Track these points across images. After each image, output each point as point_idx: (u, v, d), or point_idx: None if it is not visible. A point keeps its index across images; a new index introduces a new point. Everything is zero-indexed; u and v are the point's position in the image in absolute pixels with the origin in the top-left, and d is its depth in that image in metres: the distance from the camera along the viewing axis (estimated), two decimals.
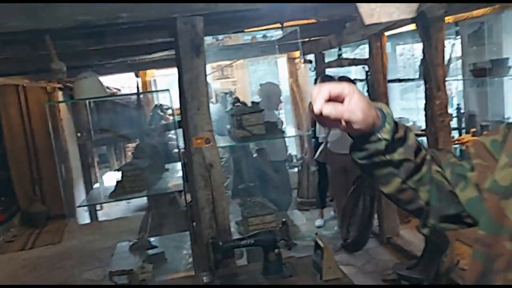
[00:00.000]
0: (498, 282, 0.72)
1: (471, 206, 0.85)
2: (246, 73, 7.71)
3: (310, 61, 5.58)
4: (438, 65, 3.08)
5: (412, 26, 3.62)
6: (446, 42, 3.46)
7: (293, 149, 6.77)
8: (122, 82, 7.36)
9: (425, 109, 3.22)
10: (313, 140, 4.86)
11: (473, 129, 4.40)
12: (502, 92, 4.52)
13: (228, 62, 6.89)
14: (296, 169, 5.93)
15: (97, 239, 5.17)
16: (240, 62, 7.20)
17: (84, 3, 2.10)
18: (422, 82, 3.29)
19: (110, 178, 3.55)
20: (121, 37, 2.85)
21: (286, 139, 4.70)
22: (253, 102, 3.46)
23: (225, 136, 3.31)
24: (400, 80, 5.13)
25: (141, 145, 4.32)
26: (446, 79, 3.22)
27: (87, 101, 3.93)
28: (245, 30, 3.56)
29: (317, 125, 4.64)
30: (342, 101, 0.79)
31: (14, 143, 6.13)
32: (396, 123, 0.86)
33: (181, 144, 3.01)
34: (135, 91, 6.32)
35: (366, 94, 4.99)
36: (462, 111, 4.93)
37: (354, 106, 0.79)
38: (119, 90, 7.01)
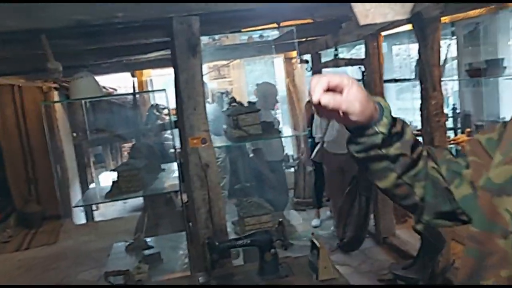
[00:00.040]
0: (490, 278, 0.72)
1: (465, 203, 0.86)
2: (243, 73, 7.71)
3: (307, 61, 5.59)
4: (434, 65, 3.09)
5: (408, 26, 3.63)
6: (442, 42, 3.47)
7: (289, 149, 6.78)
8: (118, 82, 7.34)
9: (421, 109, 3.23)
10: (310, 140, 4.87)
11: (468, 129, 4.42)
12: (497, 92, 4.54)
13: (224, 62, 6.89)
14: (292, 169, 5.93)
15: (93, 239, 5.16)
16: (236, 62, 7.20)
17: (80, 3, 2.09)
18: (418, 82, 3.30)
19: (106, 178, 3.54)
20: (117, 36, 2.84)
21: (282, 139, 4.70)
22: (249, 102, 3.45)
23: (222, 136, 3.31)
24: (396, 80, 5.14)
25: (137, 145, 4.31)
26: (442, 79, 3.23)
27: (83, 101, 3.91)
28: (242, 30, 3.56)
29: (314, 125, 4.64)
30: (341, 92, 0.79)
31: (10, 143, 6.10)
32: (393, 118, 0.87)
33: (177, 144, 3.01)
34: (131, 91, 6.30)
35: None
36: (457, 111, 4.95)
37: (352, 97, 0.79)
38: (115, 90, 7.00)
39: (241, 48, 5.26)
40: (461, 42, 4.83)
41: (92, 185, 4.89)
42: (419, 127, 3.37)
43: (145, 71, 6.69)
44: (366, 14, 0.70)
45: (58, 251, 5.03)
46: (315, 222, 4.96)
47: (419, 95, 3.22)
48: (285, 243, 2.21)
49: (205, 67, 5.33)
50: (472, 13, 3.46)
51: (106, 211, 6.53)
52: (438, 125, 3.14)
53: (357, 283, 3.50)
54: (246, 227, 2.73)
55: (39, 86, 5.86)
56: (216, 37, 4.52)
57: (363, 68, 4.24)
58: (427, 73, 3.07)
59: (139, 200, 4.88)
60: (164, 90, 2.77)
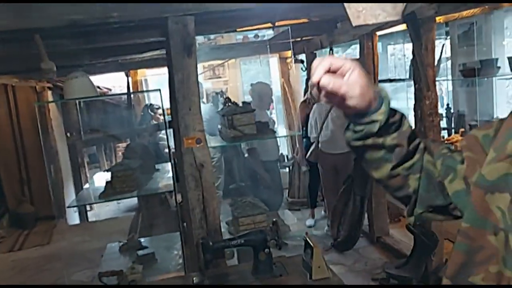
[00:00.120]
0: (479, 274, 0.72)
1: (458, 198, 0.86)
2: (238, 72, 7.70)
3: (302, 61, 5.60)
4: (428, 65, 3.11)
5: (403, 26, 3.64)
6: (437, 42, 3.48)
7: (284, 149, 6.78)
8: (113, 82, 7.31)
9: (415, 109, 3.25)
10: (304, 140, 4.87)
11: (462, 129, 4.44)
12: (491, 92, 4.57)
13: (220, 62, 6.88)
14: (287, 169, 5.94)
15: (87, 240, 5.13)
16: (232, 62, 7.20)
17: (75, 3, 2.08)
18: (412, 82, 3.31)
19: (100, 178, 3.52)
20: (112, 36, 2.83)
21: (277, 139, 4.71)
22: (244, 102, 3.45)
23: (216, 136, 3.31)
24: (391, 80, 5.16)
25: (132, 145, 4.30)
26: (436, 79, 3.25)
27: (77, 101, 3.89)
28: (237, 30, 3.56)
29: (309, 125, 4.65)
30: (342, 76, 0.79)
31: (3, 143, 6.06)
32: (392, 109, 0.87)
33: (172, 144, 3.00)
34: (126, 90, 6.28)
35: None
36: (451, 111, 4.98)
37: (353, 81, 0.79)
38: (109, 89, 6.97)
39: (236, 47, 5.26)
40: (455, 42, 4.86)
41: (86, 186, 4.86)
42: (413, 126, 3.38)
43: (139, 71, 6.68)
44: (358, 15, 0.70)
45: (51, 251, 5.00)
46: (309, 221, 4.96)
47: (413, 95, 3.23)
48: (279, 243, 2.21)
49: (200, 67, 5.33)
50: (466, 13, 3.47)
51: (100, 211, 6.51)
52: (432, 125, 3.16)
53: (351, 282, 3.51)
54: (241, 227, 2.73)
55: (33, 85, 5.82)
56: (211, 36, 4.51)
57: None
58: (421, 73, 3.08)
59: (133, 201, 4.86)
60: (159, 90, 2.76)
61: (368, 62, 4.04)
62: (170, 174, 3.20)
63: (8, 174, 6.05)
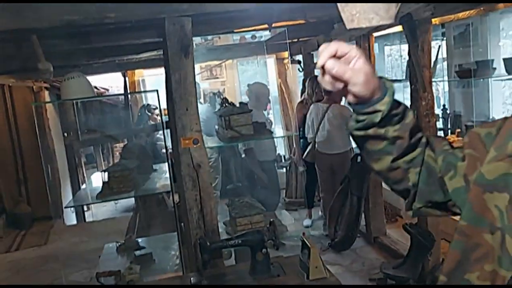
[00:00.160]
0: (475, 272, 0.73)
1: (457, 195, 0.86)
2: (236, 73, 7.70)
3: (299, 62, 5.61)
4: (424, 67, 3.12)
5: (400, 28, 3.66)
6: (433, 43, 3.50)
7: (281, 149, 6.79)
8: (110, 82, 7.30)
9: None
10: (302, 140, 4.88)
11: (458, 130, 4.46)
12: (487, 93, 4.59)
13: (217, 62, 6.89)
14: (284, 169, 5.95)
15: (84, 240, 5.13)
16: (229, 62, 7.20)
17: (71, 3, 2.08)
18: (409, 83, 3.32)
19: (98, 179, 3.52)
20: (109, 37, 2.84)
21: (274, 139, 4.71)
22: (241, 103, 3.46)
23: (214, 136, 3.31)
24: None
25: (129, 146, 4.30)
26: (433, 80, 3.27)
27: (74, 101, 3.89)
28: (234, 31, 3.56)
29: (306, 125, 4.66)
30: (348, 63, 0.80)
31: (0, 144, 6.05)
32: (396, 100, 0.87)
33: (169, 144, 3.00)
34: (123, 91, 6.28)
35: None
36: (448, 111, 5.00)
37: (358, 68, 0.79)
38: (107, 90, 6.96)
39: (233, 48, 5.26)
40: (451, 43, 4.88)
41: (83, 186, 4.85)
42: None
43: (137, 71, 6.67)
44: (352, 18, 0.71)
45: (48, 252, 4.99)
46: (306, 222, 4.97)
47: (410, 95, 3.25)
48: (277, 243, 2.22)
49: (197, 67, 5.33)
50: (462, 14, 3.49)
51: (97, 211, 6.50)
52: (429, 126, 3.17)
53: (348, 283, 3.52)
54: (238, 227, 2.74)
55: (30, 86, 5.81)
56: (209, 37, 4.51)
57: None
58: (418, 74, 3.10)
59: (131, 201, 4.86)
60: (156, 91, 2.77)
61: None
62: (167, 175, 3.20)
63: (5, 174, 6.04)
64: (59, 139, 6.20)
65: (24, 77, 5.19)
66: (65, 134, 6.09)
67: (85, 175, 6.83)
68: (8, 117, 6.05)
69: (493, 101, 4.66)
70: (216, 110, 4.02)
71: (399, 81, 4.96)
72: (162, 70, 3.49)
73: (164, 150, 4.41)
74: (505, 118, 0.82)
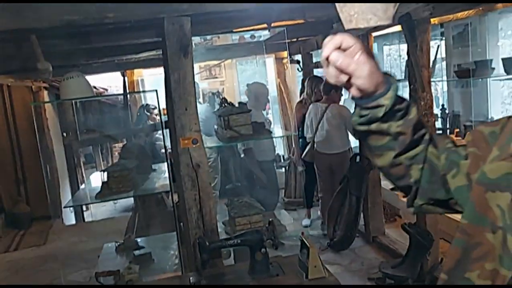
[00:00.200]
0: (475, 270, 0.73)
1: (459, 194, 0.85)
2: (234, 73, 7.71)
3: (298, 61, 5.62)
4: (423, 66, 3.13)
5: (398, 27, 3.67)
6: (432, 43, 3.50)
7: (280, 149, 6.80)
8: (109, 82, 7.30)
9: None
10: (301, 140, 4.89)
11: (457, 129, 4.47)
12: (486, 93, 4.59)
13: (216, 62, 6.89)
14: (283, 169, 5.95)
15: (83, 240, 5.13)
16: (228, 62, 7.20)
17: (71, 3, 2.08)
18: (407, 83, 3.33)
19: (97, 179, 3.52)
20: (108, 37, 2.84)
21: (273, 139, 4.72)
22: (240, 103, 3.46)
23: (213, 136, 3.32)
24: None
25: (128, 145, 4.30)
26: (431, 79, 3.27)
27: (73, 101, 3.89)
28: (233, 31, 3.57)
29: (305, 125, 4.67)
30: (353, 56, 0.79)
31: None
32: (400, 96, 0.86)
33: (168, 144, 3.00)
34: (122, 90, 6.28)
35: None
36: (446, 111, 5.00)
37: (362, 61, 0.79)
38: (106, 90, 6.96)
39: (233, 48, 5.27)
40: (450, 43, 4.89)
41: (82, 186, 4.85)
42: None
43: (136, 71, 6.67)
44: (350, 19, 0.71)
45: (47, 252, 4.99)
46: (305, 221, 4.98)
47: (408, 95, 3.25)
48: (276, 243, 2.22)
49: (196, 67, 5.34)
50: (461, 14, 3.50)
51: (96, 211, 6.49)
52: (427, 126, 3.18)
53: (347, 282, 3.52)
54: (237, 227, 2.74)
55: (29, 85, 5.81)
56: (208, 37, 4.52)
57: None
58: (417, 73, 3.10)
59: (130, 201, 4.86)
60: (155, 91, 2.77)
61: None
62: (167, 174, 3.20)
63: (4, 174, 6.04)
64: (58, 139, 6.20)
65: (23, 77, 5.19)
66: (64, 134, 6.09)
67: (84, 175, 6.82)
68: (7, 116, 6.05)
69: (491, 101, 4.66)
70: (215, 110, 4.03)
71: (398, 80, 4.96)
72: (161, 70, 3.49)
73: (163, 150, 4.41)
74: (509, 117, 0.82)
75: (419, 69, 3.10)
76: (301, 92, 5.34)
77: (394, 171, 0.92)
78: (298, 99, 5.40)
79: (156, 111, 5.74)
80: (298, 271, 2.09)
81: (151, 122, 5.65)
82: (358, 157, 4.11)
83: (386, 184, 4.75)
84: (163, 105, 3.01)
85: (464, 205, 0.82)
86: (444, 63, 5.03)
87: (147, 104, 5.99)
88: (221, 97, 5.02)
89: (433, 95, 3.74)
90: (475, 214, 0.76)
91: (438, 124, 4.84)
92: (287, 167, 5.75)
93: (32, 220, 5.98)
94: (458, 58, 4.68)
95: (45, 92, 6.06)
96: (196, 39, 3.99)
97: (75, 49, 3.16)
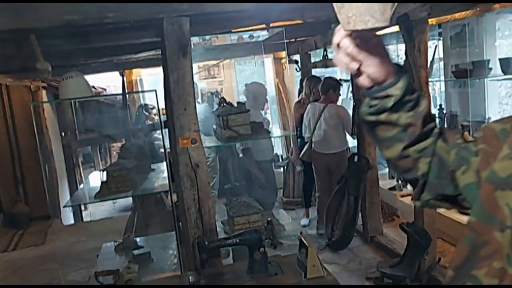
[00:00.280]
0: (483, 268, 0.73)
1: (468, 191, 0.85)
2: (233, 72, 7.72)
3: (296, 61, 5.63)
4: (421, 67, 3.14)
5: (396, 28, 3.68)
6: (429, 43, 3.52)
7: (279, 149, 6.81)
8: (108, 81, 7.30)
9: None
10: (299, 140, 4.90)
11: (454, 130, 4.48)
12: (483, 93, 4.61)
13: (214, 62, 6.90)
14: (281, 169, 5.96)
15: (82, 240, 5.13)
16: (227, 62, 7.21)
17: (70, 3, 2.09)
18: None
19: (96, 178, 3.53)
20: (108, 36, 2.85)
21: (272, 139, 4.73)
22: (239, 103, 3.47)
23: (211, 136, 3.32)
24: None
25: (127, 145, 4.31)
26: (429, 80, 3.28)
27: (72, 101, 3.90)
28: (232, 31, 3.58)
29: (303, 125, 4.68)
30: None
31: None
32: (411, 87, 0.86)
33: (167, 144, 3.01)
34: (121, 90, 6.28)
35: (350, 94, 5.05)
36: (444, 111, 5.01)
37: (373, 49, 0.79)
38: (104, 89, 6.96)
39: (231, 48, 5.28)
40: (448, 43, 4.90)
41: (81, 185, 4.85)
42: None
43: (134, 71, 6.67)
44: (348, 21, 0.72)
45: (46, 252, 4.99)
46: (304, 221, 4.99)
47: None
48: (274, 242, 2.24)
49: (195, 67, 5.34)
50: (459, 15, 3.51)
51: (95, 211, 6.49)
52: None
53: (345, 282, 3.53)
54: (236, 227, 2.75)
55: (27, 85, 5.81)
56: (207, 37, 4.53)
57: None
58: (414, 74, 3.11)
59: (128, 200, 4.86)
60: (154, 90, 2.78)
61: None
62: (165, 174, 3.21)
63: (2, 174, 6.03)
64: (56, 139, 6.20)
65: (23, 77, 5.19)
66: (63, 134, 6.09)
67: (82, 174, 6.83)
68: (5, 116, 6.04)
69: (489, 101, 4.67)
70: (214, 109, 4.04)
71: None
72: (159, 70, 3.50)
73: (162, 150, 4.42)
74: None
75: (417, 69, 3.11)
76: (300, 92, 5.35)
77: (402, 163, 0.91)
78: (297, 99, 5.41)
79: (154, 111, 5.75)
80: (296, 270, 2.10)
81: (150, 122, 5.66)
82: (356, 157, 4.13)
83: (384, 184, 4.77)
84: (162, 105, 3.01)
85: (473, 202, 0.81)
86: (441, 63, 5.05)
87: (145, 104, 6.00)
88: (219, 97, 5.03)
89: (431, 95, 3.76)
90: (484, 212, 0.75)
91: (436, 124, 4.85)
92: (285, 167, 5.76)
93: (30, 220, 5.98)
94: (455, 59, 4.70)
95: (44, 92, 6.06)
96: (194, 39, 4.00)
97: (75, 49, 3.17)
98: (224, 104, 3.27)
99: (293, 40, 4.98)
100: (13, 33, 2.45)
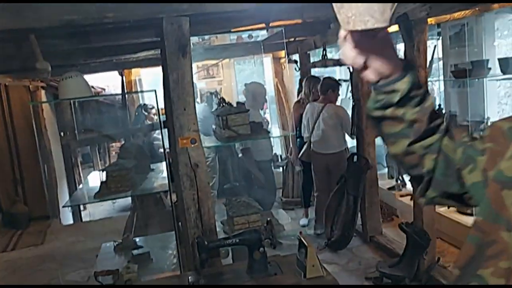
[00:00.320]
0: (489, 268, 0.72)
1: (475, 190, 0.84)
2: (232, 72, 7.72)
3: (295, 61, 5.63)
4: (420, 66, 3.14)
5: (395, 27, 3.68)
6: (429, 43, 3.52)
7: (278, 149, 6.81)
8: (107, 81, 7.29)
9: None
10: (298, 139, 4.90)
11: None
12: (482, 93, 4.61)
13: (214, 62, 6.90)
14: (281, 169, 5.97)
15: (81, 240, 5.13)
16: (226, 62, 7.21)
17: (70, 3, 2.09)
18: None
19: (95, 178, 3.53)
20: (107, 36, 2.85)
21: (271, 139, 4.73)
22: (238, 103, 3.48)
23: (211, 136, 3.32)
24: None
25: (126, 145, 4.30)
26: (428, 79, 3.28)
27: (71, 101, 3.89)
28: (232, 30, 3.58)
29: (302, 125, 4.68)
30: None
31: None
32: (417, 83, 0.86)
33: (167, 144, 3.01)
34: (120, 90, 6.27)
35: (349, 94, 5.05)
36: (443, 111, 5.02)
37: (380, 43, 0.79)
38: (103, 89, 6.96)
39: (230, 48, 5.28)
40: (447, 43, 4.90)
41: (80, 185, 4.85)
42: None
43: (133, 70, 6.67)
44: (348, 21, 0.72)
45: (45, 252, 4.99)
46: (303, 221, 4.99)
47: None
48: (274, 242, 2.24)
49: (194, 67, 5.34)
50: (458, 14, 3.51)
51: (94, 211, 6.49)
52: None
53: (345, 282, 3.53)
54: (235, 227, 2.75)
55: (26, 85, 5.80)
56: (206, 36, 4.53)
57: (351, 69, 4.29)
58: None
59: (127, 200, 4.86)
60: (154, 91, 2.78)
61: None
62: (165, 174, 3.21)
63: (1, 174, 6.02)
64: (55, 139, 6.19)
65: (21, 76, 5.19)
66: (62, 134, 6.08)
67: (81, 174, 6.82)
68: (4, 116, 6.03)
69: (488, 101, 4.68)
70: (213, 109, 4.04)
71: None
72: (158, 69, 3.50)
73: (161, 150, 4.42)
74: None
75: (416, 69, 3.12)
76: (299, 92, 5.36)
77: (407, 159, 0.90)
78: (296, 99, 5.41)
79: (154, 110, 5.75)
80: (296, 270, 2.10)
81: (149, 122, 5.66)
82: (355, 157, 4.13)
83: (383, 184, 4.78)
84: (161, 104, 3.01)
85: (480, 201, 0.81)
86: (441, 63, 5.05)
87: (145, 104, 6.00)
88: (219, 97, 5.03)
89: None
90: (490, 212, 0.74)
91: None
92: (284, 167, 5.77)
93: (29, 220, 5.97)
94: (454, 58, 4.70)
95: (43, 92, 6.05)
96: (194, 39, 3.99)
97: (75, 49, 3.17)
98: (224, 104, 3.27)
99: (292, 39, 4.98)
100: (13, 33, 2.45)
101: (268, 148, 4.90)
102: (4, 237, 5.61)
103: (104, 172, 2.98)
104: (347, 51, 0.81)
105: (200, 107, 4.63)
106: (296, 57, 5.60)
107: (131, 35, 2.84)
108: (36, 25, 2.16)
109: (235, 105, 3.46)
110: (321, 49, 4.71)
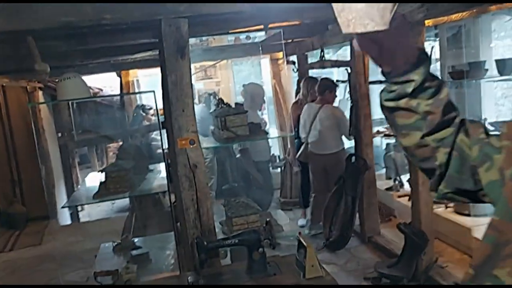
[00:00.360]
0: (505, 268, 0.71)
1: (491, 189, 0.82)
2: (230, 73, 7.72)
3: (293, 62, 5.64)
4: None
5: None
6: (426, 44, 3.53)
7: (276, 149, 6.82)
8: (105, 82, 7.28)
9: None
10: (296, 140, 4.91)
11: None
12: (479, 94, 4.64)
13: (211, 63, 6.90)
14: (279, 170, 5.98)
15: (80, 240, 5.12)
16: (223, 63, 7.21)
17: (68, 4, 2.09)
18: None
19: (93, 179, 3.53)
20: (105, 38, 2.85)
21: (269, 139, 4.74)
22: (236, 104, 3.48)
23: (209, 136, 3.33)
24: (381, 82, 5.17)
25: (125, 146, 4.31)
26: None
27: (69, 102, 3.90)
28: (230, 32, 3.58)
29: (300, 125, 4.69)
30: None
31: None
32: (432, 74, 0.84)
33: (165, 144, 3.02)
34: (118, 91, 6.27)
35: (347, 95, 5.06)
36: None
37: (394, 32, 0.78)
38: (101, 90, 6.95)
39: (228, 49, 5.28)
40: (444, 44, 4.93)
41: (78, 186, 4.85)
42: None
43: (131, 71, 6.65)
44: (348, 23, 0.73)
45: (43, 252, 4.98)
46: (301, 221, 5.00)
47: None
48: (273, 242, 2.24)
49: (192, 68, 5.34)
50: (455, 16, 3.53)
51: (92, 212, 6.49)
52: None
53: (343, 282, 3.55)
54: (234, 227, 2.76)
55: (24, 86, 5.79)
56: (204, 38, 4.53)
57: (349, 70, 4.30)
58: None
59: (126, 201, 4.86)
60: (153, 91, 2.78)
61: (358, 64, 4.09)
62: (163, 175, 3.22)
63: None
64: (53, 140, 6.19)
65: (18, 77, 5.18)
66: (59, 135, 6.08)
67: (79, 175, 6.82)
68: (1, 117, 6.03)
69: (485, 102, 4.71)
70: (211, 110, 4.04)
71: None
72: (156, 70, 3.50)
73: (159, 151, 4.42)
74: None
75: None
76: (297, 92, 5.37)
77: (419, 152, 0.88)
78: (294, 100, 5.42)
79: (151, 111, 5.74)
80: (295, 270, 2.11)
81: (147, 123, 5.66)
82: (353, 158, 4.14)
83: (381, 184, 4.79)
84: (160, 105, 3.02)
85: (496, 200, 0.79)
86: (438, 64, 5.07)
87: (143, 105, 5.98)
88: (217, 98, 5.03)
89: None
90: (507, 211, 0.73)
91: None
92: (282, 168, 5.78)
93: (27, 220, 5.97)
94: (452, 60, 4.72)
95: (40, 93, 6.05)
96: (192, 40, 3.99)
97: (73, 50, 3.16)
98: (222, 105, 3.27)
99: (290, 40, 4.99)
100: (11, 34, 2.45)
101: (266, 149, 4.90)
102: (2, 237, 5.60)
103: (103, 173, 2.98)
104: (361, 41, 0.80)
105: (197, 108, 4.61)
106: (294, 58, 5.61)
107: (128, 37, 2.84)
108: (34, 26, 2.16)
109: (233, 106, 3.46)
110: (319, 50, 4.73)
